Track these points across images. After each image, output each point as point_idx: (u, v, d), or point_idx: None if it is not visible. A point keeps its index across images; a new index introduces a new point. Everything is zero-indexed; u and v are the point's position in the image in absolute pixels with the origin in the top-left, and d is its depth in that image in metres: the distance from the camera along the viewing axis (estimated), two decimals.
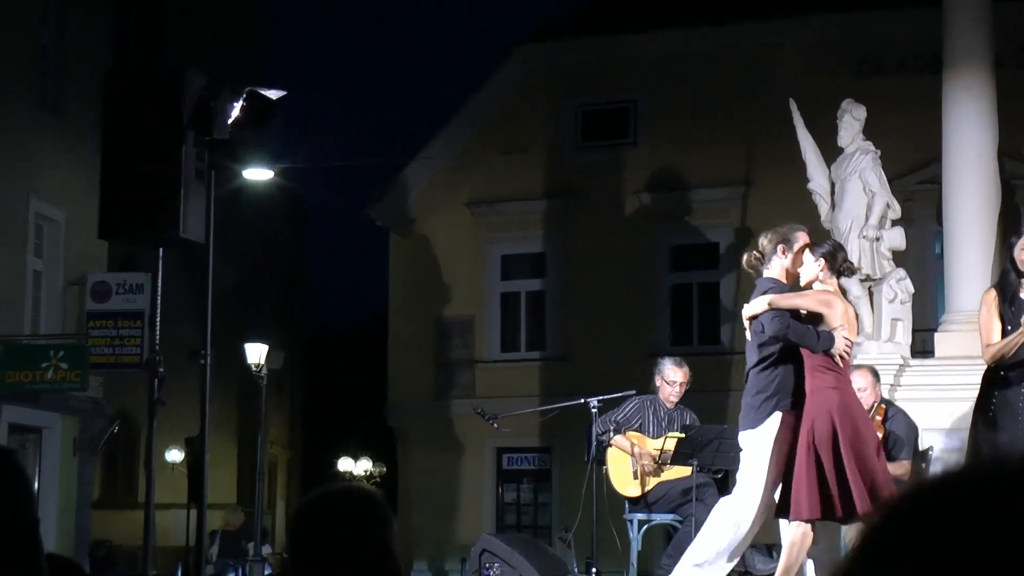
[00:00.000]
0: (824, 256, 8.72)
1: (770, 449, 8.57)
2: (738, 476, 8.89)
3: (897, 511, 1.13)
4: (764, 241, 8.85)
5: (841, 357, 8.52)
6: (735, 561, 9.02)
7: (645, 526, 11.36)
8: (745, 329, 8.79)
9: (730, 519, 8.73)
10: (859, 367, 11.58)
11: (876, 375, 11.40)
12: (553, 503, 28.03)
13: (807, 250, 8.75)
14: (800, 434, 8.47)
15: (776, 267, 8.77)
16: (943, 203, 14.76)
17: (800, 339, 8.44)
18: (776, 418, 8.56)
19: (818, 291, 8.69)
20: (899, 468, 10.52)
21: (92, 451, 25.58)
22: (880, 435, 10.70)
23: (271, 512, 41.54)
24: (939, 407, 11.88)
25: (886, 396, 11.36)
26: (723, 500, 9.01)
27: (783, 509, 8.55)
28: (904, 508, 1.12)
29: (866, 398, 10.98)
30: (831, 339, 8.46)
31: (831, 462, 8.36)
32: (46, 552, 1.88)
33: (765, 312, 8.49)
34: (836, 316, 8.56)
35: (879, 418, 10.83)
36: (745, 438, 8.77)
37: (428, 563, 27.42)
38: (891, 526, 1.12)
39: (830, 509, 8.40)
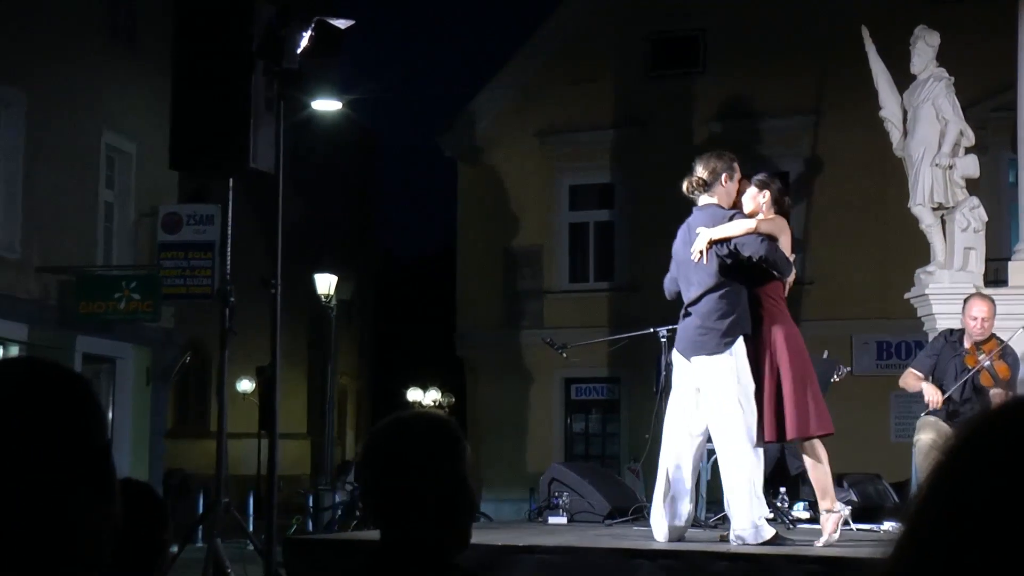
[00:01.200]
0: (767, 187, 8.75)
1: (748, 371, 8.55)
2: (718, 408, 8.66)
3: (970, 438, 1.14)
4: (702, 170, 8.84)
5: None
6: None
7: (714, 456, 11.35)
8: (700, 253, 8.68)
9: (746, 454, 8.60)
10: (979, 295, 11.26)
11: (995, 306, 10.95)
12: (621, 433, 28.10)
13: (749, 183, 8.86)
14: (764, 357, 8.55)
15: (719, 195, 8.80)
16: (1018, 131, 14.55)
17: (779, 263, 8.51)
18: (742, 342, 8.57)
19: (774, 217, 8.72)
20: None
21: (165, 381, 25.89)
22: (1008, 372, 10.51)
23: (341, 442, 41.91)
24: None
25: (958, 327, 11.13)
26: (723, 445, 8.74)
27: (784, 432, 8.54)
28: (976, 435, 1.14)
29: (987, 328, 10.68)
30: (792, 267, 8.62)
31: (794, 380, 8.47)
32: (121, 478, 1.90)
33: (748, 234, 8.51)
34: (788, 244, 8.60)
35: (996, 351, 10.54)
36: (711, 364, 8.62)
37: (497, 492, 27.58)
38: (964, 453, 1.13)
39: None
